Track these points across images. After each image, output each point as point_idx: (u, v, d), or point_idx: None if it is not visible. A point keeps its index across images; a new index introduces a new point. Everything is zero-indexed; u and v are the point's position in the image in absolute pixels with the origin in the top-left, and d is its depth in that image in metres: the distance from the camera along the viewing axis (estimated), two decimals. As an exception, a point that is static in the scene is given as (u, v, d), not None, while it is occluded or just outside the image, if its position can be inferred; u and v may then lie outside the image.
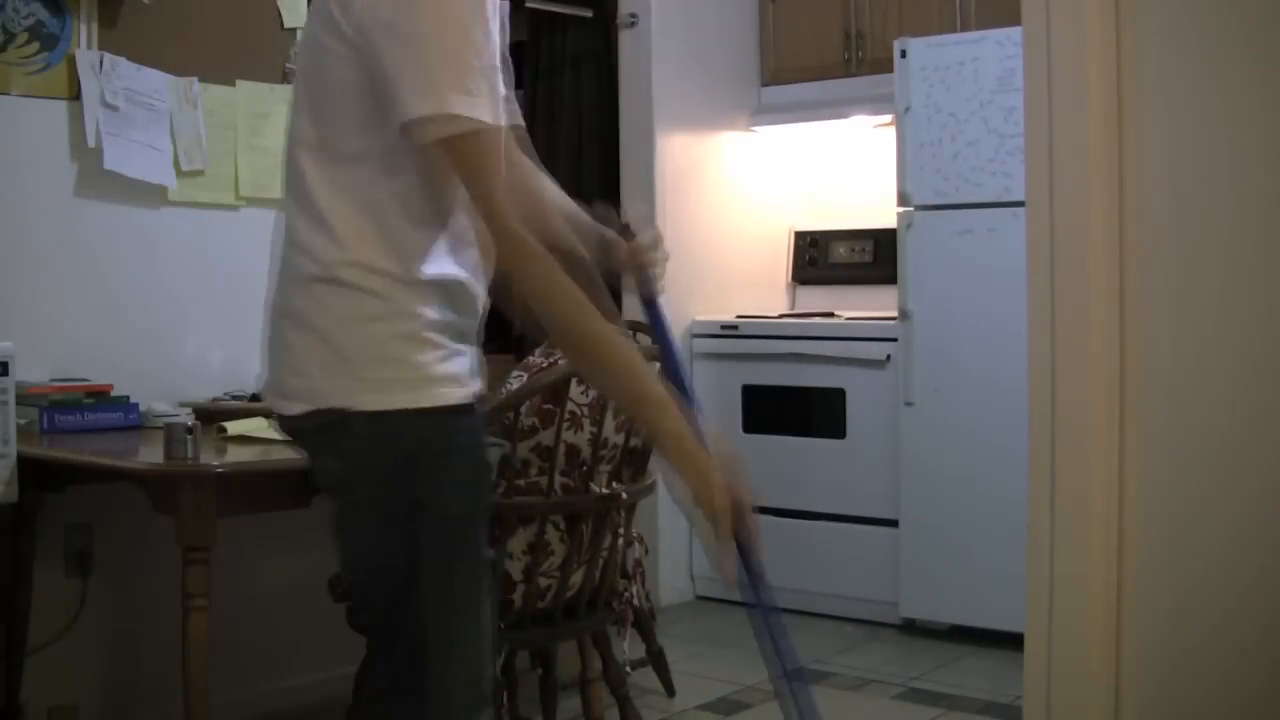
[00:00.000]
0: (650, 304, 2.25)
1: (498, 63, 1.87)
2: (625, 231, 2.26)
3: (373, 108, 1.87)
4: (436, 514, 1.95)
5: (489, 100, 1.83)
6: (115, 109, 3.46)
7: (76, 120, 3.43)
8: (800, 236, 5.43)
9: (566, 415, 2.83)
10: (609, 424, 2.92)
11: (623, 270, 2.24)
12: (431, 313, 1.92)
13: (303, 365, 1.94)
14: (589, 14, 5.54)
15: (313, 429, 1.96)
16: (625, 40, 5.08)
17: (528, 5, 5.51)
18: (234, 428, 3.15)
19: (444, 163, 1.86)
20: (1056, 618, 1.94)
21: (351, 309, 1.91)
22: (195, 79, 3.64)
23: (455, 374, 1.95)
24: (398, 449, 1.92)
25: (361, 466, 1.95)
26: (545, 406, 2.83)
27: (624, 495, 2.98)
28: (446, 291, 1.94)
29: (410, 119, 1.82)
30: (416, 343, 1.91)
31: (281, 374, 1.99)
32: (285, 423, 2.01)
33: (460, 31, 1.81)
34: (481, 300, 2.01)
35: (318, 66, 1.91)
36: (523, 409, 2.80)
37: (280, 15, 3.85)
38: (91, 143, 3.43)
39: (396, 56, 1.82)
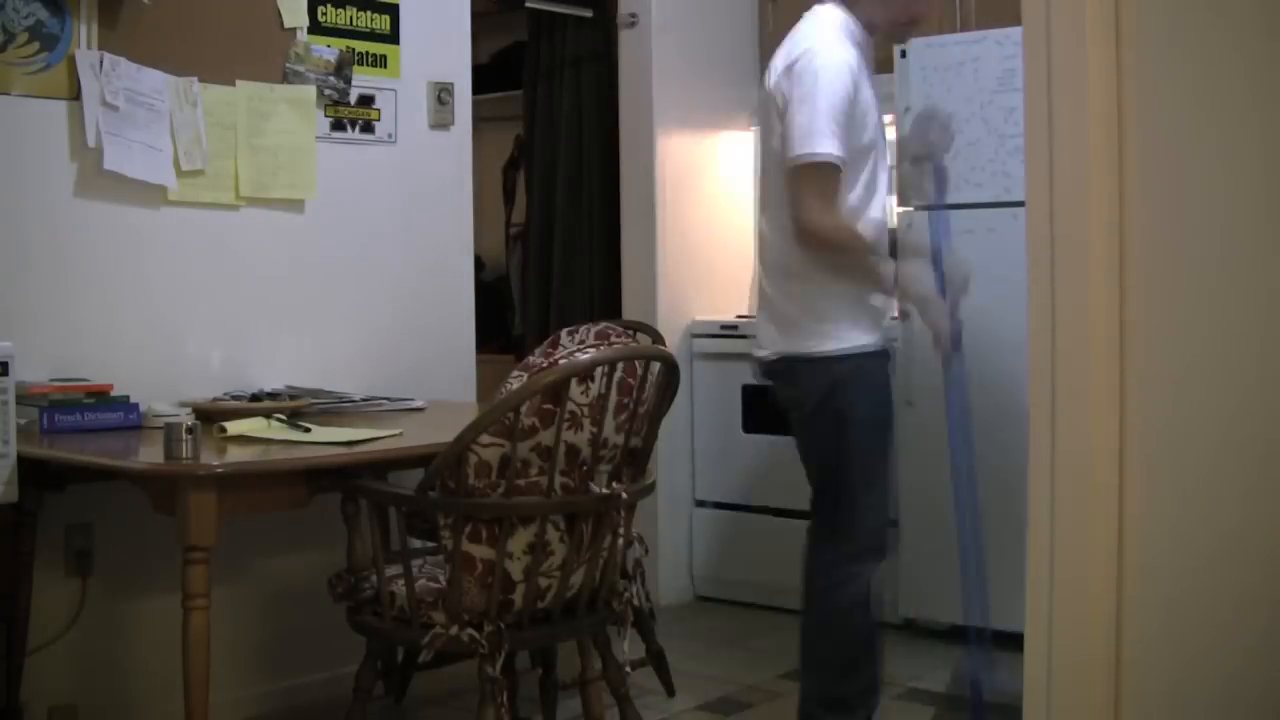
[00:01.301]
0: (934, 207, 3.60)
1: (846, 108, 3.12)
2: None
3: None
4: (850, 419, 3.17)
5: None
6: (115, 109, 3.46)
7: (76, 120, 3.43)
8: (800, 236, 5.41)
9: (566, 415, 2.83)
10: (609, 424, 2.92)
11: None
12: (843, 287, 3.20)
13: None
14: (589, 14, 5.54)
15: (778, 369, 3.26)
16: (625, 40, 5.08)
17: (528, 5, 5.51)
18: (234, 428, 3.15)
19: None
20: (1056, 618, 1.94)
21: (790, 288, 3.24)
22: (195, 79, 3.64)
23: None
24: (828, 378, 3.18)
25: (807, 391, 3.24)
26: (545, 406, 2.82)
27: (624, 495, 2.98)
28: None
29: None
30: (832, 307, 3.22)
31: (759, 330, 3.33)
32: (761, 364, 3.32)
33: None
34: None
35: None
36: (523, 409, 2.80)
37: (280, 15, 3.85)
38: (91, 143, 3.43)
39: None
